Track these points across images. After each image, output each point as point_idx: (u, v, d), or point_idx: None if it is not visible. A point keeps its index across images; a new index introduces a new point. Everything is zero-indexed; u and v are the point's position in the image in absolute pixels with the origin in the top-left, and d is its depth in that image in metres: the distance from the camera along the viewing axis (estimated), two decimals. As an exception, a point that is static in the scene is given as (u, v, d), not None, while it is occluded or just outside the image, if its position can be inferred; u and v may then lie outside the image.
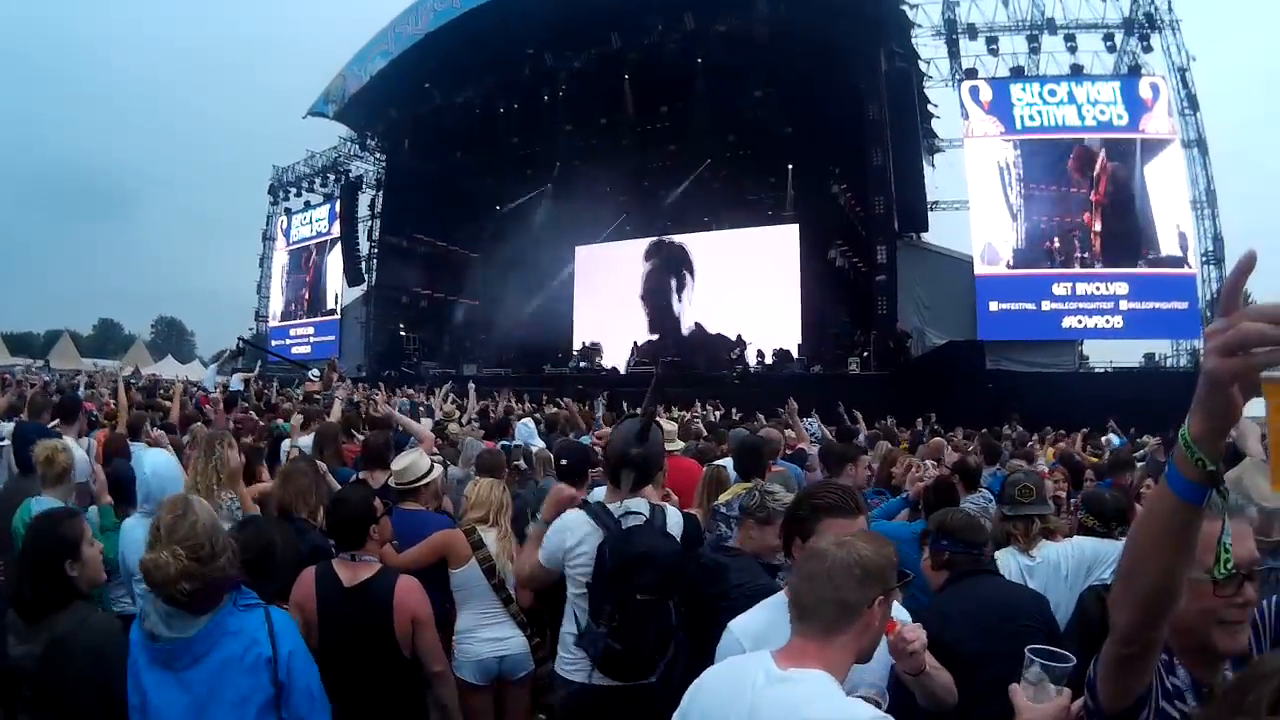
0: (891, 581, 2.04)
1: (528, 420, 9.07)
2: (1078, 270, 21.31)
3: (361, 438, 6.73)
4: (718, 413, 14.51)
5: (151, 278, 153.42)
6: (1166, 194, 21.30)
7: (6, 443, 5.57)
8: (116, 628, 2.72)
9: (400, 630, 3.47)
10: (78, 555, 2.85)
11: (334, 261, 34.06)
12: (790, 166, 28.49)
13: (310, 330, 35.29)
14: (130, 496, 4.32)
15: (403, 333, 33.25)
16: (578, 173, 29.93)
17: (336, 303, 34.40)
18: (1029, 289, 21.50)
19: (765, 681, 1.87)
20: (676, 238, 30.51)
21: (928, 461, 5.95)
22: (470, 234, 34.12)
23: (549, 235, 31.42)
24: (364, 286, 33.26)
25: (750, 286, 27.58)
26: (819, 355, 24.51)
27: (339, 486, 4.88)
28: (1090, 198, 21.52)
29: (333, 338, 33.60)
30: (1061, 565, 3.80)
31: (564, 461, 4.66)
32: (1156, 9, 21.62)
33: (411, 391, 16.76)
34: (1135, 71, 22.12)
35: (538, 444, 7.71)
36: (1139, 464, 7.33)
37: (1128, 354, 22.97)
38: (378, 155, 33.76)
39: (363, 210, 33.84)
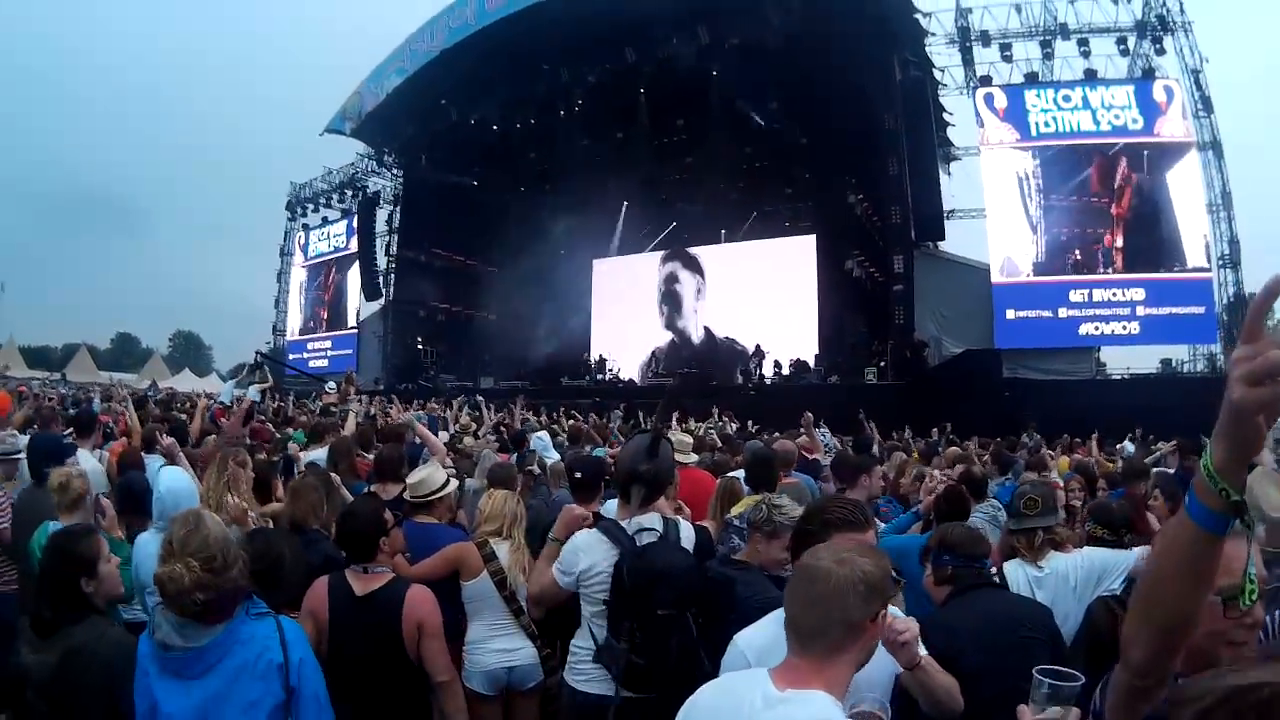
0: (890, 592, 2.03)
1: (543, 434, 9.08)
2: (1093, 276, 21.22)
3: (375, 451, 6.75)
4: (734, 424, 14.49)
5: (169, 292, 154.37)
6: (1190, 202, 21.18)
7: (22, 455, 5.62)
8: (131, 642, 2.74)
9: (407, 637, 3.49)
10: (94, 573, 2.90)
11: (353, 278, 34.29)
12: (806, 177, 28.59)
13: (328, 344, 35.51)
14: (143, 508, 4.36)
15: (420, 346, 33.50)
16: (594, 186, 30.03)
17: (356, 318, 34.61)
18: (1046, 296, 21.44)
19: (763, 704, 1.85)
20: (693, 249, 30.54)
21: (935, 472, 5.91)
22: (487, 248, 34.25)
23: (566, 248, 31.54)
24: (381, 301, 33.47)
25: (767, 297, 27.55)
26: (836, 366, 24.41)
27: (351, 499, 4.91)
28: (1112, 211, 21.43)
29: (350, 351, 33.76)
30: (1070, 576, 3.77)
31: (578, 475, 4.66)
32: (1169, 11, 21.54)
33: (435, 406, 16.77)
34: (1149, 75, 22.00)
35: (553, 456, 7.72)
36: (1154, 470, 7.29)
37: (1145, 360, 22.81)
38: (395, 171, 33.99)
39: (380, 226, 34.14)
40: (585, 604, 3.56)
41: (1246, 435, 1.27)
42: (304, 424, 10.36)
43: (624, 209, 31.02)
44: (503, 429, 10.88)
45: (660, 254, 31.19)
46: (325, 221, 36.51)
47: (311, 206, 36.65)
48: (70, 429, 7.15)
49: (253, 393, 15.70)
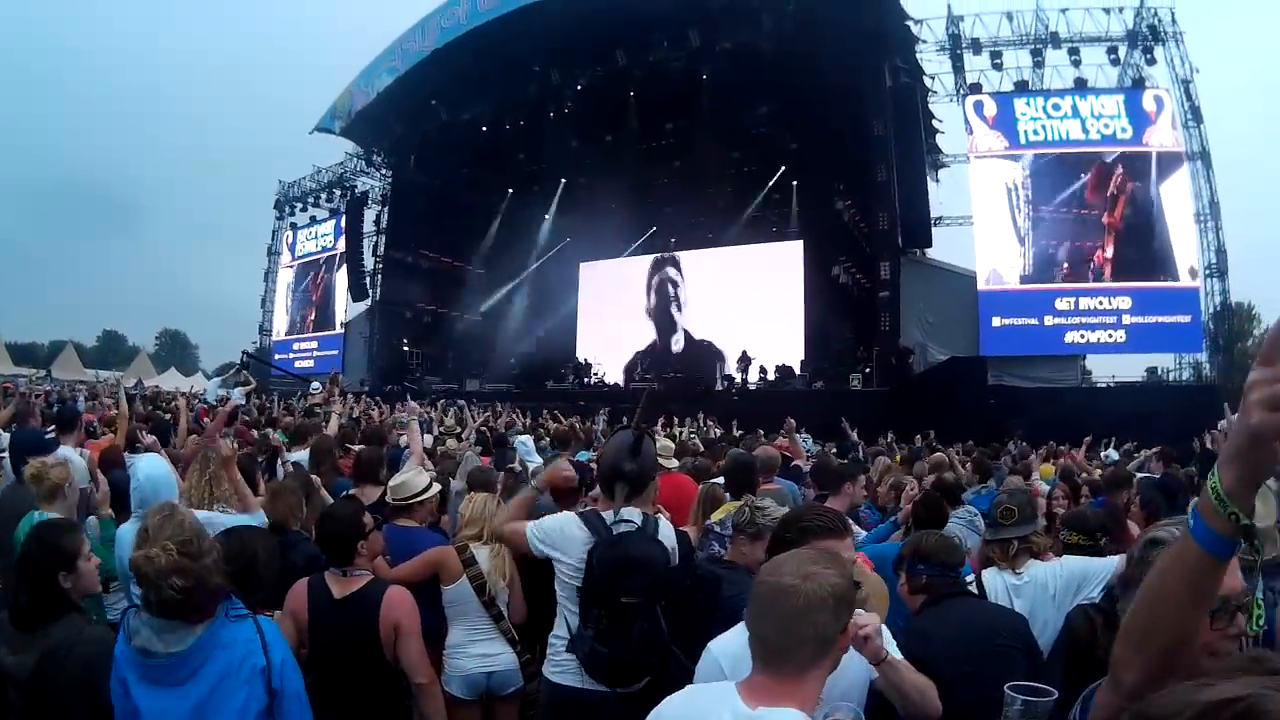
0: (855, 598, 2.00)
1: (526, 437, 9.04)
2: (1080, 285, 21.30)
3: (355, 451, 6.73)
4: (717, 429, 14.49)
5: (156, 290, 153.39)
6: (1181, 215, 21.31)
7: (5, 453, 5.59)
8: (110, 640, 2.72)
9: (384, 638, 3.48)
10: (73, 568, 2.89)
11: (340, 279, 34.15)
12: (794, 183, 28.62)
13: (314, 345, 35.34)
14: (126, 504, 4.34)
15: (406, 348, 33.38)
16: (583, 189, 30.13)
17: (342, 319, 34.52)
18: (1032, 304, 21.54)
19: None
20: (680, 254, 30.60)
21: (913, 479, 5.93)
22: (474, 250, 34.17)
23: (553, 251, 31.55)
24: (368, 302, 33.32)
25: (754, 303, 27.60)
26: (821, 371, 24.43)
27: (332, 501, 4.90)
28: (1104, 220, 21.49)
29: (336, 352, 33.57)
30: (1050, 584, 3.78)
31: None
32: (1160, 21, 21.68)
33: (417, 406, 16.72)
34: (1139, 84, 22.11)
35: (535, 460, 7.69)
36: (1137, 476, 7.31)
37: (1131, 368, 22.92)
38: (384, 171, 33.85)
39: (368, 226, 33.98)
40: (559, 590, 3.55)
41: (1261, 459, 1.24)
42: (288, 425, 10.32)
43: (612, 212, 30.99)
44: (486, 431, 10.86)
45: (647, 258, 31.22)
46: (313, 221, 36.32)
47: (300, 206, 36.45)
48: (52, 426, 7.11)
49: (237, 395, 15.64)
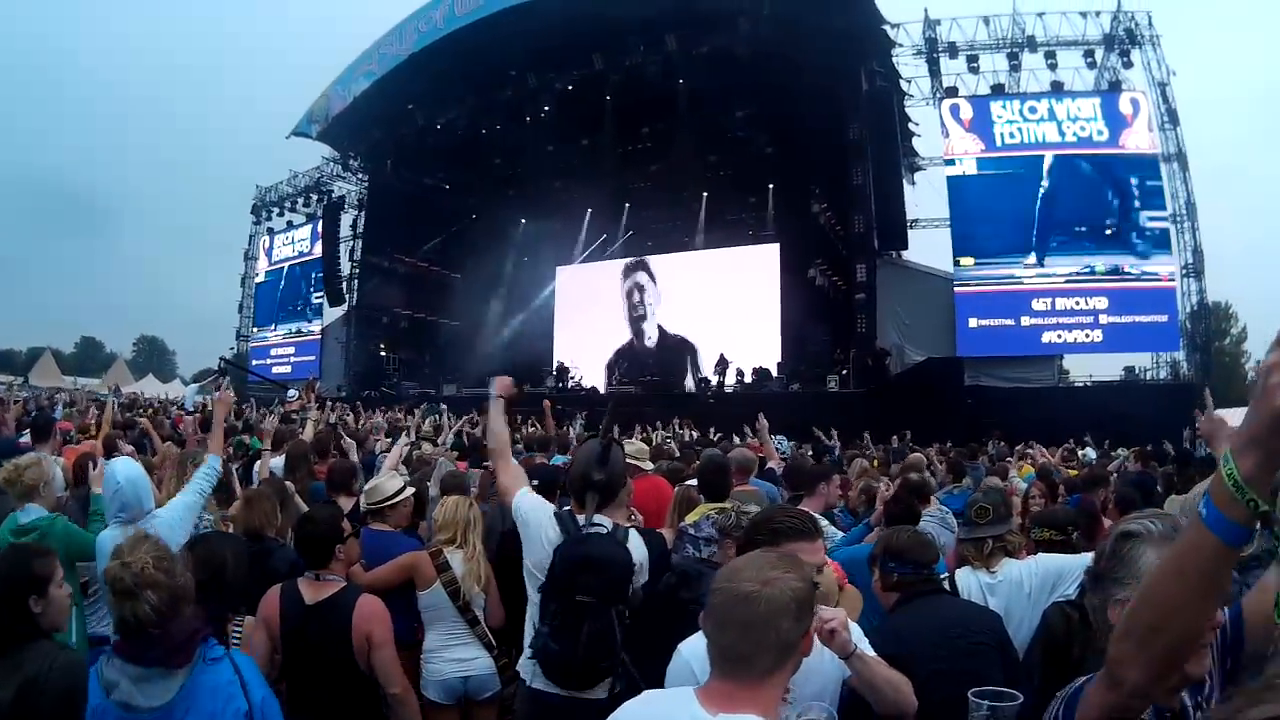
0: (814, 600, 1.97)
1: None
2: (1056, 285, 21.41)
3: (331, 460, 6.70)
4: (694, 433, 14.47)
5: (133, 295, 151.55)
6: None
7: None
8: (85, 667, 2.69)
9: (357, 648, 3.46)
10: (44, 593, 2.81)
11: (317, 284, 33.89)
12: (771, 186, 28.67)
13: (291, 350, 35.06)
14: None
15: (383, 353, 33.36)
16: (559, 193, 30.11)
17: (319, 323, 34.30)
18: (1008, 305, 21.59)
19: None
20: (657, 257, 30.52)
21: (886, 481, 5.95)
22: (452, 254, 34.12)
23: (530, 256, 31.58)
24: (345, 306, 33.10)
25: (731, 306, 27.53)
26: (798, 373, 24.46)
27: (307, 508, 4.87)
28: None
29: (313, 357, 33.42)
30: (1025, 582, 3.79)
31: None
32: (1137, 25, 21.77)
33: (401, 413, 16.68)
34: (1115, 87, 22.25)
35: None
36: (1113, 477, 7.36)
37: (1108, 367, 23.03)
38: (360, 175, 33.70)
39: (345, 230, 33.67)
40: (529, 585, 3.53)
41: None
42: (265, 431, 10.24)
43: (588, 216, 31.03)
44: (464, 436, 10.82)
45: (624, 261, 31.12)
46: (290, 226, 36.01)
47: (276, 210, 36.18)
48: (26, 431, 7.06)
49: (193, 390, 15.61)
